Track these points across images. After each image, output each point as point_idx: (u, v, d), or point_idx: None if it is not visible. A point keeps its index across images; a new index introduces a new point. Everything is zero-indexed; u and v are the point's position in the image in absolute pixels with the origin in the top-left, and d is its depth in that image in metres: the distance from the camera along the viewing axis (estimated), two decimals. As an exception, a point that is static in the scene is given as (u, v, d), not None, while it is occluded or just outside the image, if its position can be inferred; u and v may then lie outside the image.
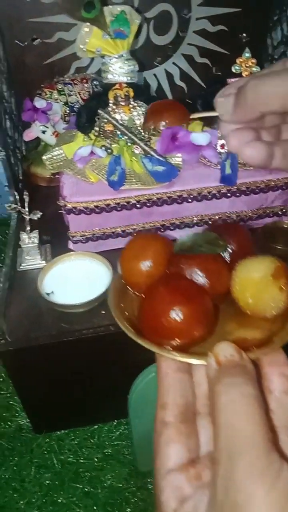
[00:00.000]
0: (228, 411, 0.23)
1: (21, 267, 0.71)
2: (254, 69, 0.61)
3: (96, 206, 0.66)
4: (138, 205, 0.66)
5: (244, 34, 0.91)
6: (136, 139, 0.66)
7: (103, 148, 0.68)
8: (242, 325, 0.32)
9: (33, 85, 0.91)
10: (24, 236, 0.69)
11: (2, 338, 0.61)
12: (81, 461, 0.71)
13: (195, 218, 0.70)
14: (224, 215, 0.70)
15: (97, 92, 0.83)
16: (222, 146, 0.64)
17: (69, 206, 0.65)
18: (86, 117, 0.69)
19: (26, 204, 0.67)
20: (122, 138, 0.68)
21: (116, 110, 0.68)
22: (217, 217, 0.70)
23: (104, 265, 0.66)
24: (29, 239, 0.69)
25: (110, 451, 0.73)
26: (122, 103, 0.68)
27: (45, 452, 0.73)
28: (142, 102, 0.70)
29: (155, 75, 0.96)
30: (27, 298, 0.66)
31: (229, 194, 0.67)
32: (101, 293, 0.61)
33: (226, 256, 0.34)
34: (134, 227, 0.69)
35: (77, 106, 0.85)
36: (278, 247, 0.66)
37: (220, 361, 0.25)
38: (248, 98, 0.27)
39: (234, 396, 0.23)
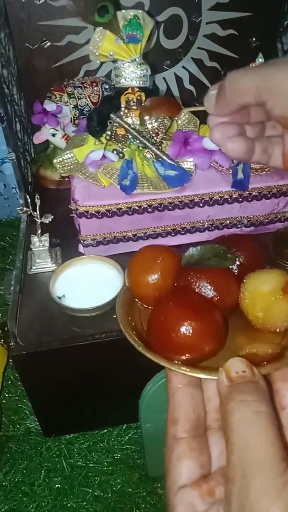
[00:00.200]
0: (241, 430, 0.23)
1: (31, 270, 0.71)
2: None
3: (108, 210, 0.66)
4: (149, 209, 0.66)
5: (254, 39, 0.91)
6: (148, 143, 0.66)
7: (115, 152, 0.68)
8: (252, 339, 0.32)
9: (42, 88, 0.91)
10: (35, 239, 0.69)
11: (13, 341, 0.61)
12: (91, 465, 0.71)
13: (206, 223, 0.70)
14: (236, 219, 0.70)
15: (109, 96, 0.83)
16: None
17: (81, 210, 0.65)
18: (97, 121, 0.69)
19: (37, 207, 0.67)
20: (134, 142, 0.68)
21: (128, 114, 0.68)
22: (228, 221, 0.70)
23: (115, 269, 0.66)
24: (40, 242, 0.69)
25: (119, 455, 0.73)
26: (134, 107, 0.68)
27: (55, 455, 0.73)
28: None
29: (164, 78, 0.96)
30: (38, 302, 0.66)
31: (240, 199, 0.67)
32: (113, 297, 0.61)
33: (235, 268, 0.34)
34: (145, 231, 0.69)
35: (87, 110, 0.85)
36: (290, 252, 0.66)
37: (232, 377, 0.25)
38: (226, 91, 0.29)
39: (247, 414, 0.23)
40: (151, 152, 0.67)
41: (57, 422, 0.74)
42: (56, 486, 0.70)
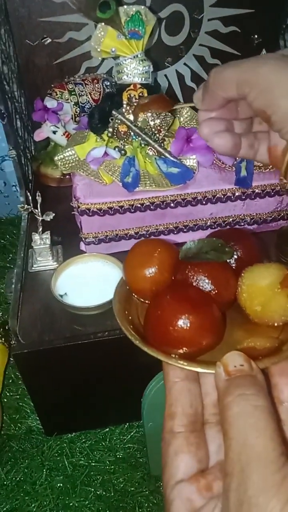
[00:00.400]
0: (239, 424, 0.23)
1: (33, 268, 0.70)
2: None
3: (110, 208, 0.65)
4: (152, 207, 0.66)
5: (256, 36, 0.91)
6: (150, 141, 0.66)
7: (116, 149, 0.67)
8: (250, 333, 0.32)
9: (43, 85, 0.91)
10: (36, 237, 0.69)
11: (15, 340, 0.61)
12: (93, 464, 0.71)
13: (209, 221, 0.69)
14: (238, 217, 0.70)
15: (110, 93, 0.82)
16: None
17: (82, 207, 0.65)
18: (98, 118, 0.68)
19: (38, 205, 0.67)
20: (136, 139, 0.67)
21: (130, 111, 0.68)
22: (231, 219, 0.70)
23: (117, 267, 0.66)
24: (41, 240, 0.69)
25: (122, 454, 0.72)
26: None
27: (56, 454, 0.72)
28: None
29: (166, 75, 0.95)
30: (40, 300, 0.66)
31: (243, 197, 0.67)
32: (115, 295, 0.61)
33: (232, 262, 0.34)
34: (147, 229, 0.69)
35: (88, 107, 0.85)
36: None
37: (230, 371, 0.25)
38: (210, 85, 0.30)
39: (245, 409, 0.23)
40: (153, 149, 0.66)
41: (59, 421, 0.73)
42: (58, 485, 0.69)
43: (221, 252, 0.33)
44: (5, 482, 0.70)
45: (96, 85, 0.86)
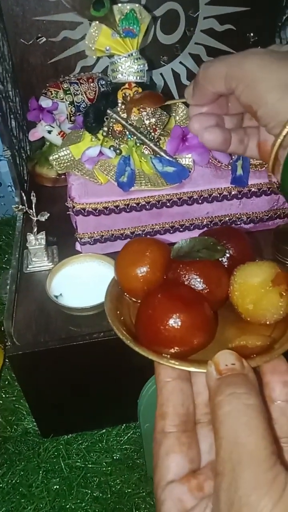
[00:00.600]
0: (230, 423, 0.22)
1: (28, 269, 0.70)
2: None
3: (105, 208, 0.65)
4: (147, 207, 0.65)
5: (252, 34, 0.91)
6: (145, 140, 0.65)
7: (112, 148, 0.67)
8: (242, 332, 0.32)
9: (37, 84, 0.90)
10: (31, 237, 0.68)
11: (10, 341, 0.60)
12: (89, 465, 0.71)
13: (205, 220, 0.69)
14: (235, 216, 0.69)
15: (105, 91, 0.81)
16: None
17: (78, 207, 0.64)
18: (93, 117, 0.68)
19: (33, 205, 0.66)
20: (131, 138, 0.67)
21: (125, 110, 0.67)
22: (227, 218, 0.69)
23: (113, 267, 0.65)
24: (36, 241, 0.68)
25: (118, 455, 0.72)
26: (131, 103, 0.67)
27: (53, 456, 0.72)
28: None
29: (161, 74, 0.95)
30: (35, 301, 0.65)
31: (240, 196, 0.67)
32: (111, 296, 0.60)
33: (224, 261, 0.34)
34: (143, 228, 0.68)
35: (83, 106, 0.84)
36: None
37: (221, 370, 0.25)
38: (199, 79, 0.30)
39: (236, 407, 0.23)
40: (148, 148, 0.66)
41: (55, 423, 0.73)
42: (55, 487, 0.69)
43: (213, 250, 0.33)
44: (1, 485, 0.69)
45: (91, 84, 0.85)
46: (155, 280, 0.33)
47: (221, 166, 0.67)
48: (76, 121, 0.81)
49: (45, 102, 0.83)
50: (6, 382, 0.81)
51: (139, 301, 0.34)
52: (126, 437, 0.73)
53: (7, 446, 0.73)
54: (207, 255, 0.32)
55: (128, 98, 0.66)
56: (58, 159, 0.68)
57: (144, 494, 0.68)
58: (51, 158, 0.69)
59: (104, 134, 0.67)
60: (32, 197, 0.66)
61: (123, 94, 0.67)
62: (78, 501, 0.67)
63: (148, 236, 0.69)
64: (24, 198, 0.69)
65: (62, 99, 0.84)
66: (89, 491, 0.68)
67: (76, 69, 0.91)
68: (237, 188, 0.66)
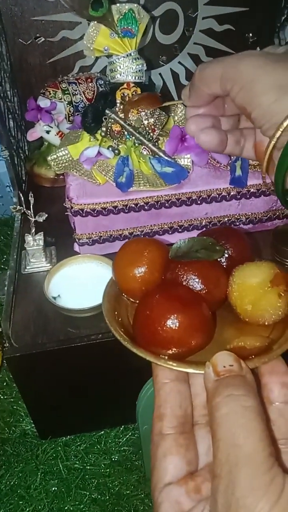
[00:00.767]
0: (227, 425, 0.22)
1: (26, 270, 0.70)
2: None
3: (103, 208, 0.64)
4: (146, 207, 0.65)
5: (251, 34, 0.90)
6: (144, 140, 0.65)
7: (110, 148, 0.66)
8: (240, 332, 0.31)
9: (36, 84, 0.90)
10: (29, 238, 0.68)
11: (7, 343, 0.60)
12: (88, 467, 0.70)
13: (204, 220, 0.69)
14: (234, 217, 0.69)
15: (104, 92, 0.81)
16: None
17: (76, 208, 0.64)
18: (92, 117, 0.67)
19: (31, 206, 0.66)
20: (130, 138, 0.66)
21: (123, 111, 0.67)
22: (226, 219, 0.69)
23: (111, 268, 0.65)
24: (34, 241, 0.68)
25: (117, 457, 0.71)
26: (130, 103, 0.67)
27: (51, 458, 0.71)
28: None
29: (160, 74, 0.95)
30: (33, 302, 0.65)
31: (239, 196, 0.66)
32: (109, 297, 0.60)
33: (223, 261, 0.33)
34: (142, 229, 0.68)
35: (82, 106, 0.84)
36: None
37: (219, 371, 0.25)
38: (195, 81, 0.31)
39: (234, 409, 0.23)
40: (147, 148, 0.66)
41: (53, 424, 0.73)
42: (53, 489, 0.68)
43: (211, 250, 0.33)
44: (-1, 487, 0.69)
45: (90, 84, 0.85)
46: (153, 281, 0.32)
47: (220, 166, 0.67)
48: (75, 121, 0.81)
49: (44, 102, 0.82)
50: (4, 383, 0.81)
51: (137, 301, 0.34)
52: (124, 439, 0.73)
53: (5, 447, 0.73)
54: (206, 255, 0.32)
55: (127, 98, 0.66)
56: (56, 159, 0.68)
57: (142, 495, 0.68)
58: (49, 158, 0.69)
59: (103, 134, 0.67)
60: (30, 198, 0.66)
61: (122, 94, 0.67)
62: (77, 503, 0.67)
63: (147, 236, 0.69)
64: (22, 198, 0.69)
65: (61, 99, 0.83)
66: (88, 493, 0.68)
67: (75, 69, 0.91)
68: (236, 188, 0.66)
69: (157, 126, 0.67)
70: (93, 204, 0.64)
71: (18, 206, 0.66)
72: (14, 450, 0.73)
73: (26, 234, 0.68)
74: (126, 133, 0.66)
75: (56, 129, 0.84)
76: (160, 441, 0.27)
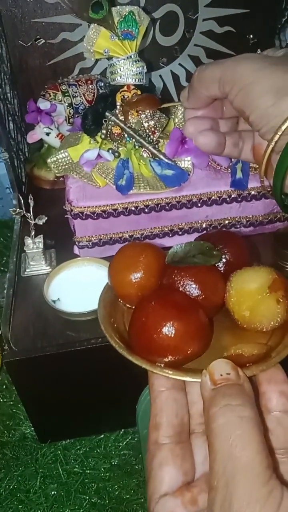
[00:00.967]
0: (224, 436, 0.22)
1: (25, 273, 0.69)
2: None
3: (103, 211, 0.64)
4: (146, 210, 0.65)
5: (252, 36, 0.90)
6: (144, 142, 0.65)
7: (110, 151, 0.66)
8: (238, 339, 0.31)
9: (36, 86, 0.90)
10: (28, 241, 0.67)
11: (7, 347, 0.59)
12: (88, 471, 0.70)
13: (205, 223, 0.68)
14: (234, 220, 0.69)
15: (104, 94, 0.81)
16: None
17: (76, 210, 0.64)
18: (92, 119, 0.67)
19: (31, 209, 0.66)
20: (130, 141, 0.66)
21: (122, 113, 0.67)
22: (227, 222, 0.69)
23: (107, 273, 0.64)
24: (34, 244, 0.68)
25: (117, 461, 0.71)
26: (130, 105, 0.66)
27: (50, 462, 0.71)
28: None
29: (160, 76, 0.94)
30: (32, 305, 0.65)
31: (239, 199, 0.66)
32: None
33: (221, 266, 0.33)
34: (142, 232, 0.68)
35: (82, 108, 0.84)
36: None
37: (216, 380, 0.24)
38: (194, 83, 0.31)
39: (231, 420, 0.22)
40: (147, 151, 0.65)
41: (53, 428, 0.72)
42: (52, 493, 0.68)
43: (208, 255, 0.32)
44: (-2, 491, 0.69)
45: (90, 86, 0.85)
46: (149, 286, 0.32)
47: (221, 169, 0.66)
48: (75, 123, 0.81)
49: (44, 104, 0.82)
50: (4, 386, 0.81)
51: (133, 307, 0.33)
52: (124, 443, 0.73)
53: (4, 451, 0.73)
54: (203, 260, 0.32)
55: (128, 99, 0.66)
56: (56, 162, 0.68)
57: (142, 500, 0.67)
58: (49, 160, 0.68)
59: (103, 136, 0.67)
60: (29, 200, 0.65)
61: (122, 97, 0.66)
62: (76, 507, 0.66)
63: (147, 239, 0.69)
64: (22, 201, 0.68)
65: (61, 101, 0.83)
66: (87, 497, 0.67)
67: (75, 71, 0.91)
68: (236, 191, 0.65)
69: (157, 128, 0.66)
70: (93, 206, 0.64)
71: (18, 209, 0.66)
72: (14, 453, 0.72)
73: (25, 236, 0.67)
74: (126, 135, 0.66)
75: (56, 131, 0.84)
76: (156, 451, 0.26)
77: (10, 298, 0.64)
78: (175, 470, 0.25)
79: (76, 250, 0.70)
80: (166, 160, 0.64)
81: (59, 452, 0.72)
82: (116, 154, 0.66)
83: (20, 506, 0.67)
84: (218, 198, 0.66)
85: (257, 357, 0.28)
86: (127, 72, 0.65)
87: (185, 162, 0.65)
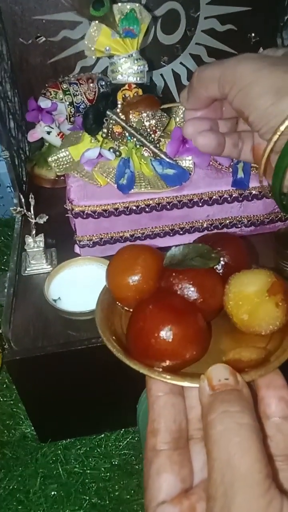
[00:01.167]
0: (222, 444, 0.21)
1: (26, 271, 0.69)
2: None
3: (104, 210, 0.64)
4: (147, 209, 0.65)
5: (253, 34, 0.90)
6: (145, 141, 0.65)
7: (111, 150, 0.66)
8: (236, 343, 0.30)
9: (37, 85, 0.90)
10: (29, 240, 0.67)
11: (7, 346, 0.59)
12: (88, 471, 0.70)
13: (206, 223, 0.68)
14: (235, 219, 0.68)
15: (105, 92, 0.80)
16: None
17: (77, 210, 0.63)
18: (93, 118, 0.67)
19: (31, 208, 0.65)
20: (131, 140, 0.66)
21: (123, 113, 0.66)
22: (228, 221, 0.68)
23: (105, 276, 0.64)
24: (35, 243, 0.67)
25: (117, 461, 0.71)
26: (131, 104, 0.66)
27: (51, 462, 0.71)
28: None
29: (162, 75, 0.94)
30: (33, 305, 0.64)
31: (240, 198, 0.66)
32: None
33: (219, 269, 0.32)
34: (143, 231, 0.68)
35: (83, 107, 0.83)
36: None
37: (214, 385, 0.24)
38: (194, 84, 0.31)
39: (229, 427, 0.22)
40: (148, 150, 0.65)
41: (53, 427, 0.72)
42: (52, 493, 0.68)
43: (207, 258, 0.32)
44: (-2, 491, 0.68)
45: (91, 84, 0.84)
46: (147, 289, 0.31)
47: (222, 168, 0.66)
48: (76, 122, 0.80)
49: (44, 103, 0.82)
50: (4, 386, 0.81)
51: (131, 310, 0.33)
52: (125, 442, 0.73)
53: (4, 451, 0.72)
54: (201, 263, 0.31)
55: (128, 99, 0.65)
56: (57, 161, 0.68)
57: (143, 500, 0.67)
58: (50, 159, 0.68)
59: (104, 135, 0.66)
60: (30, 199, 0.65)
61: (123, 95, 0.66)
62: (76, 507, 0.66)
63: (148, 239, 0.69)
64: (23, 200, 0.68)
65: (62, 99, 0.83)
66: (87, 498, 0.67)
67: (76, 69, 0.91)
68: (238, 190, 0.65)
69: (159, 127, 0.66)
70: (94, 206, 0.63)
71: (19, 208, 0.66)
72: (14, 453, 0.72)
73: (26, 235, 0.67)
74: (127, 134, 0.66)
75: (57, 130, 0.84)
76: (153, 457, 0.26)
77: (11, 297, 0.64)
78: (173, 477, 0.25)
79: (77, 249, 0.69)
80: (167, 159, 0.64)
81: (59, 451, 0.72)
82: (117, 153, 0.66)
83: (19, 507, 0.67)
84: (219, 198, 0.65)
85: (256, 361, 0.28)
86: (128, 70, 0.64)
87: (186, 162, 0.65)
